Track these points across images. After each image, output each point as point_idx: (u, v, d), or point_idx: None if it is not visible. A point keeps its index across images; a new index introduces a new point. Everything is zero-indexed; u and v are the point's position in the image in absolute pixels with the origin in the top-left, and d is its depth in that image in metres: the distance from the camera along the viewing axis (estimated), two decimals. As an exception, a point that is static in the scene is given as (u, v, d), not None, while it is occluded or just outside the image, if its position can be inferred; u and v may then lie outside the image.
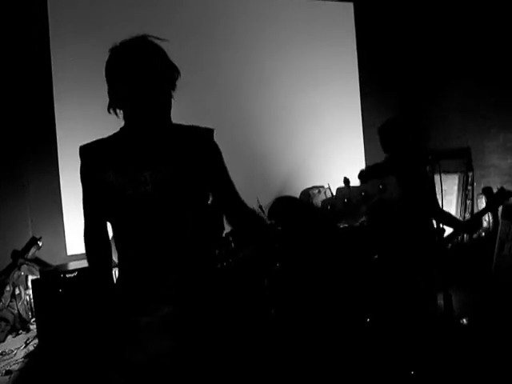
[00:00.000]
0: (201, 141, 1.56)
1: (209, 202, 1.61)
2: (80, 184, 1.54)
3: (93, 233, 1.60)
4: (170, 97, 1.50)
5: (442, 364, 2.48)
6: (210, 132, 1.59)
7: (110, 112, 1.52)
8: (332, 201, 1.65)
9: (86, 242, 1.60)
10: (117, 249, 1.58)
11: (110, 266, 1.60)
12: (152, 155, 1.49)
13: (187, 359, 1.47)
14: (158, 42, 1.50)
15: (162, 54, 1.48)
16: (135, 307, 1.47)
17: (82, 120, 4.44)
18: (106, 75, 1.49)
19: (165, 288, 1.46)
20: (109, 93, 1.51)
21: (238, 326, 1.57)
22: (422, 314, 2.56)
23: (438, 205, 2.84)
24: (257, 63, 5.39)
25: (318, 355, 2.85)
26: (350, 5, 6.02)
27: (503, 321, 3.38)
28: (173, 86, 1.50)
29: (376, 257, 2.73)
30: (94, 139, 1.55)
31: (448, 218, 2.83)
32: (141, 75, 1.43)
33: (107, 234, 1.62)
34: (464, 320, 3.37)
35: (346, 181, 1.64)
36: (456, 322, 3.23)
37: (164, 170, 1.47)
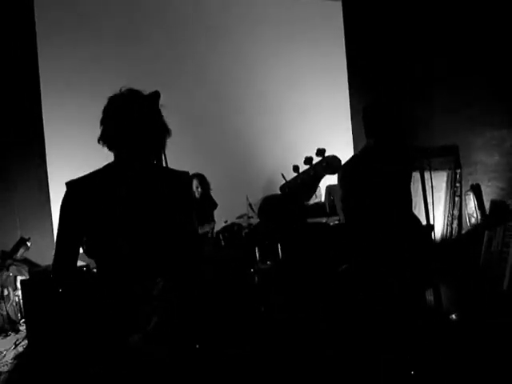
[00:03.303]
0: (183, 184, 1.69)
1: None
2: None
3: (69, 263, 1.61)
4: (161, 153, 1.59)
5: (432, 360, 2.49)
6: (188, 176, 1.73)
7: (99, 143, 1.56)
8: (288, 184, 1.83)
9: (61, 271, 1.62)
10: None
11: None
12: (143, 197, 1.56)
13: (183, 363, 1.52)
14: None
15: (157, 113, 1.56)
16: (125, 324, 1.50)
17: (70, 121, 4.41)
18: (102, 119, 1.56)
19: (151, 298, 1.50)
20: (102, 133, 1.56)
21: (229, 324, 1.61)
22: (411, 309, 2.52)
23: (411, 208, 2.56)
24: (248, 60, 5.43)
25: (310, 353, 2.86)
26: (339, 3, 6.08)
27: (491, 316, 3.43)
28: (163, 146, 1.59)
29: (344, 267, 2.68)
30: (80, 176, 1.58)
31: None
32: (133, 131, 1.52)
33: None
34: (453, 316, 3.40)
35: (296, 167, 1.82)
36: (445, 317, 3.26)
37: (156, 209, 1.56)
